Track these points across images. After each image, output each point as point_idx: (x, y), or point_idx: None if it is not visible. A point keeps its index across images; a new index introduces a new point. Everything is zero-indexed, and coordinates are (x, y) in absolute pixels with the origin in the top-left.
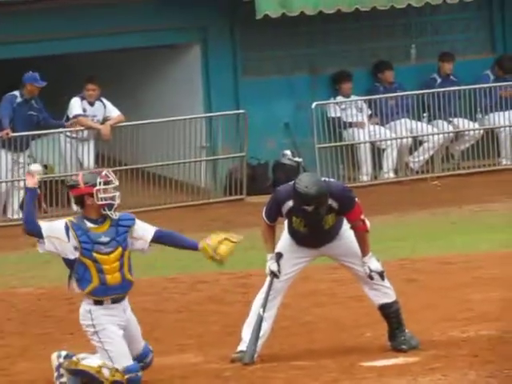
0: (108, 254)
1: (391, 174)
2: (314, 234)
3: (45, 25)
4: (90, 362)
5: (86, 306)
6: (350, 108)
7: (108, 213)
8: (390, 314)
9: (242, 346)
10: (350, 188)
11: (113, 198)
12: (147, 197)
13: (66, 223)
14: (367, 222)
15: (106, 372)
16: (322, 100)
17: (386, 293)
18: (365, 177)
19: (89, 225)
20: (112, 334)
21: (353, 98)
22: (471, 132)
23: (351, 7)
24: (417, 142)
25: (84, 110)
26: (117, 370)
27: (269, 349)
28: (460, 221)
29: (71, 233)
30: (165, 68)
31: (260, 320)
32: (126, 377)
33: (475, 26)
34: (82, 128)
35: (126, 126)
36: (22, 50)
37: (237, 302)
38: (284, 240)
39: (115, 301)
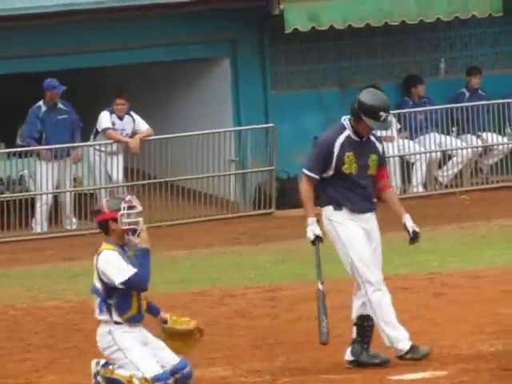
0: None
1: (420, 188)
2: (362, 181)
3: (77, 38)
4: (123, 371)
5: (105, 328)
6: None
7: (132, 238)
8: (368, 327)
9: (404, 345)
10: None
11: (136, 224)
12: (176, 210)
13: (116, 252)
14: None
15: (136, 381)
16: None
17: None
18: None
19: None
20: (135, 346)
21: None
22: (500, 146)
23: (380, 21)
24: (446, 156)
25: (113, 124)
26: (146, 380)
27: (297, 362)
28: (488, 235)
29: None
30: (195, 81)
31: (322, 295)
32: (156, 382)
33: (504, 40)
34: (110, 141)
35: (155, 140)
36: (55, 63)
37: (265, 316)
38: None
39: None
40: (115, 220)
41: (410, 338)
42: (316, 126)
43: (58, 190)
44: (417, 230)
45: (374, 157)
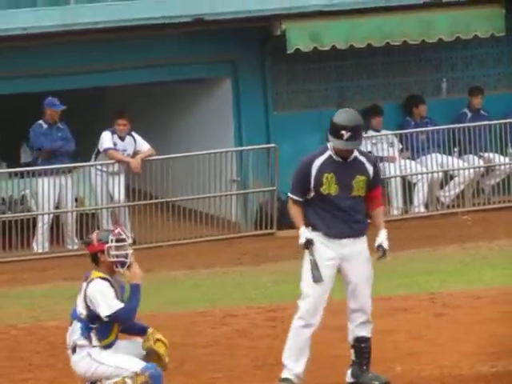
0: None
1: (422, 209)
2: (343, 203)
3: (76, 58)
4: (112, 381)
5: (82, 353)
6: (381, 142)
7: (120, 270)
8: (365, 348)
9: (286, 374)
10: None
11: (125, 256)
12: (177, 230)
13: (110, 283)
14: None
15: (128, 381)
16: None
17: (367, 327)
18: (395, 211)
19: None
20: (113, 355)
21: (384, 132)
22: (502, 166)
23: (382, 41)
24: (447, 177)
25: (115, 144)
26: (137, 374)
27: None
28: (490, 255)
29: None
30: (196, 102)
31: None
32: (147, 374)
33: (506, 60)
34: (112, 161)
35: (156, 160)
36: (55, 84)
37: (266, 336)
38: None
39: None
40: (103, 252)
41: (295, 376)
42: (317, 146)
43: (60, 210)
44: (384, 246)
45: (360, 178)
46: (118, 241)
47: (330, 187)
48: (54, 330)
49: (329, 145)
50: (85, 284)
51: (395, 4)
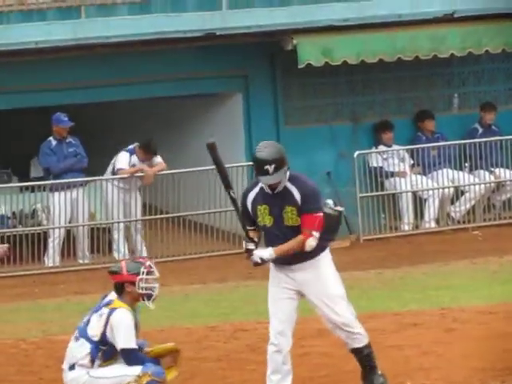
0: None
1: (433, 224)
2: (279, 233)
3: (86, 72)
4: None
5: (80, 371)
6: (392, 157)
7: (146, 303)
8: (362, 358)
9: None
10: (319, 193)
11: (152, 289)
12: (189, 245)
13: (132, 318)
14: (313, 243)
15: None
16: (364, 149)
17: (355, 338)
18: (406, 226)
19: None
20: (110, 368)
21: (395, 147)
22: None
23: (393, 57)
24: (458, 192)
25: (133, 165)
26: (139, 376)
27: None
28: (501, 271)
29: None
30: (207, 116)
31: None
32: (149, 373)
33: None
34: (126, 176)
35: (167, 174)
36: (65, 97)
37: None
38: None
39: None
40: (133, 283)
41: None
42: (328, 161)
43: (72, 224)
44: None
45: (289, 208)
46: (148, 273)
47: (264, 219)
48: (64, 344)
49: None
50: (106, 310)
51: (407, 19)
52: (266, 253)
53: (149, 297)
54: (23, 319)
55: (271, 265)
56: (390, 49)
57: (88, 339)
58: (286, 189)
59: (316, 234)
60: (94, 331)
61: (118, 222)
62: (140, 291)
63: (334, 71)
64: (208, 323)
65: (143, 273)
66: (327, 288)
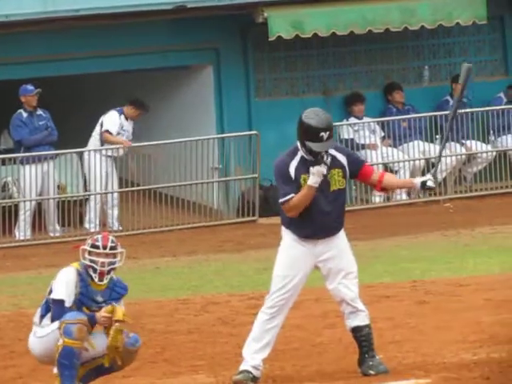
0: (89, 310)
1: (404, 196)
2: (322, 201)
3: (58, 46)
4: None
5: (31, 332)
6: (363, 130)
7: (92, 275)
8: (361, 337)
9: (244, 366)
10: None
11: (95, 263)
12: (159, 218)
13: (77, 272)
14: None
15: (59, 341)
16: (335, 121)
17: (359, 315)
18: (377, 198)
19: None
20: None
21: (365, 119)
22: (484, 154)
23: (364, 29)
24: (429, 164)
25: (121, 126)
26: (59, 329)
27: (281, 370)
28: (472, 243)
29: (76, 282)
30: (177, 89)
31: None
32: (65, 319)
33: (488, 48)
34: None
35: (138, 147)
36: (36, 71)
37: (248, 324)
38: (285, 249)
39: None
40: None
41: (253, 367)
42: None
43: (43, 197)
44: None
45: (335, 171)
46: (92, 246)
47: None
48: None
49: (298, 145)
50: None
51: None
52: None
53: (94, 270)
54: None
55: (290, 237)
56: (360, 21)
57: (45, 296)
58: (327, 153)
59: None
60: (48, 288)
61: (95, 194)
62: (83, 261)
63: (305, 44)
64: (179, 296)
65: (88, 244)
66: (346, 266)
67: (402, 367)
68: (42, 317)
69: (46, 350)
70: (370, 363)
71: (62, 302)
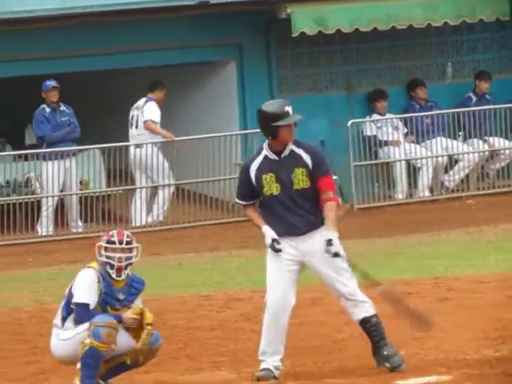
0: (118, 311)
1: (426, 193)
2: (287, 200)
3: (83, 41)
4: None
5: (53, 333)
6: (386, 126)
7: (110, 271)
8: (370, 328)
9: (266, 365)
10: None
11: (112, 258)
12: (182, 214)
13: (97, 274)
14: (339, 199)
15: (86, 340)
16: (358, 118)
17: (362, 307)
18: (400, 195)
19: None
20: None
21: (388, 116)
22: (506, 151)
23: (387, 25)
24: (452, 161)
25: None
26: (88, 329)
27: (302, 366)
28: (494, 240)
29: (98, 282)
30: (200, 85)
31: None
32: (95, 321)
33: (511, 44)
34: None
35: (161, 143)
36: (57, 67)
37: None
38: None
39: None
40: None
41: (274, 367)
42: (322, 130)
43: (65, 193)
44: (329, 237)
45: (298, 170)
46: (108, 242)
47: (271, 188)
48: None
49: (264, 145)
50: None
51: None
52: (334, 234)
53: (111, 266)
54: (17, 288)
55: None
56: (384, 17)
57: (65, 298)
58: (292, 152)
59: (336, 191)
60: (67, 289)
61: (141, 188)
62: (99, 258)
63: (329, 40)
64: (201, 292)
65: (103, 240)
66: (332, 263)
67: (424, 364)
68: (64, 319)
69: (71, 352)
70: (385, 353)
71: (86, 305)
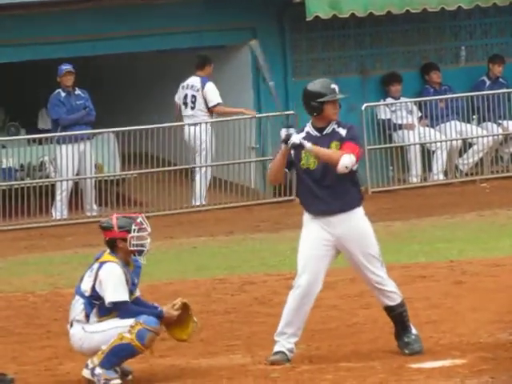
0: (133, 295)
1: (441, 176)
2: (322, 176)
3: (96, 25)
4: (108, 343)
5: (77, 327)
6: (400, 110)
7: (138, 258)
8: (394, 316)
9: (280, 347)
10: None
11: (144, 245)
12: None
13: (121, 267)
14: (348, 163)
15: (127, 335)
16: (372, 101)
17: (388, 296)
18: (414, 178)
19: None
20: (104, 322)
21: (402, 99)
22: None
23: (401, 9)
24: (466, 144)
25: None
26: (132, 326)
27: (317, 350)
28: (508, 223)
29: (125, 274)
30: (215, 69)
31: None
32: (141, 321)
33: None
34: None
35: (175, 126)
36: (72, 50)
37: (284, 303)
38: (303, 228)
39: None
40: (124, 240)
41: (287, 350)
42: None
43: (80, 177)
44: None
45: (333, 144)
46: (140, 230)
47: (308, 161)
48: (71, 297)
49: (307, 124)
50: (96, 264)
51: None
52: (305, 141)
53: (140, 252)
54: (31, 272)
55: (307, 217)
56: (397, 1)
57: (81, 295)
58: (334, 130)
59: (353, 158)
60: (86, 286)
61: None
62: (131, 248)
63: (343, 24)
64: (216, 276)
65: (134, 230)
66: (365, 247)
67: (439, 347)
68: (87, 316)
69: (103, 343)
70: (406, 340)
71: (126, 302)
